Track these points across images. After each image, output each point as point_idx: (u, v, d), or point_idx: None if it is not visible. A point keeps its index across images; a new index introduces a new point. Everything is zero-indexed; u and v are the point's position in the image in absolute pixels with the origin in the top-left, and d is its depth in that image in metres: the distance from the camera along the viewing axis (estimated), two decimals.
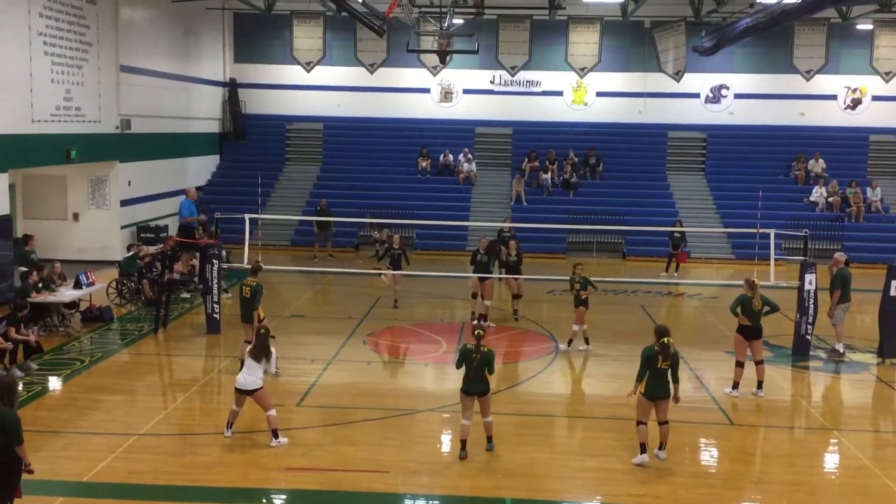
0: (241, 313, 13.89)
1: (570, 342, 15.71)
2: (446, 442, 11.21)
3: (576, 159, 30.52)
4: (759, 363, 13.19)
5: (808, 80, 31.71)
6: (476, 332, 10.57)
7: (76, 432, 11.18)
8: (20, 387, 11.87)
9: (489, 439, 10.68)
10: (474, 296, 17.53)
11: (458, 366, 10.68)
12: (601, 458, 10.61)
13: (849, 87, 31.95)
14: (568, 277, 16.02)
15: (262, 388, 10.73)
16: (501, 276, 18.07)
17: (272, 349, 10.86)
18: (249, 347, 10.79)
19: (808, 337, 15.65)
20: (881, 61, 31.36)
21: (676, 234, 24.06)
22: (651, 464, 10.41)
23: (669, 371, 10.32)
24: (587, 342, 15.70)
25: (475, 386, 10.50)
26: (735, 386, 13.19)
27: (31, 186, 23.46)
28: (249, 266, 14.62)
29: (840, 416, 12.87)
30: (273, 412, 10.72)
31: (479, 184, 30.58)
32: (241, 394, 10.72)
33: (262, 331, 10.97)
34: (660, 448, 10.60)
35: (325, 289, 21.65)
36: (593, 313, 16.20)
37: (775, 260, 16.90)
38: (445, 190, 30.13)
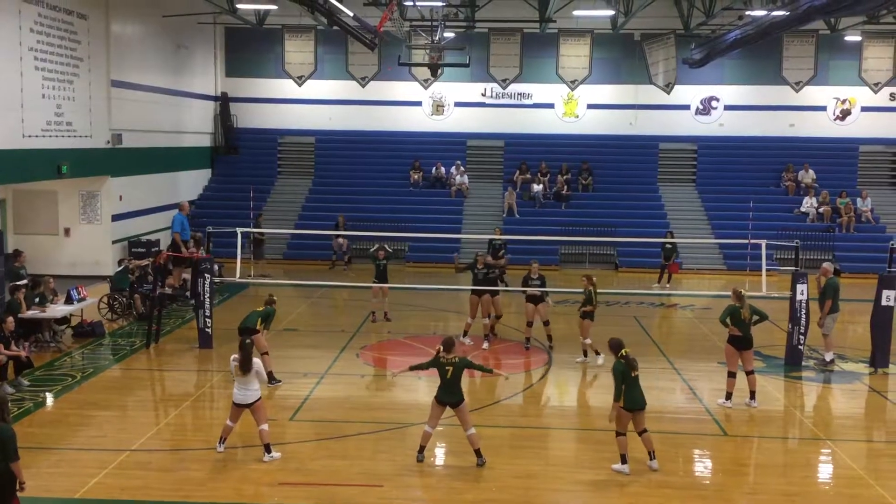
0: (240, 326, 13.85)
1: (585, 353, 15.76)
2: (440, 455, 11.18)
3: (569, 175, 30.54)
4: (749, 373, 13.22)
5: (797, 91, 31.92)
6: (446, 342, 10.68)
7: (67, 449, 11.11)
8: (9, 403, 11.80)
9: (477, 453, 10.63)
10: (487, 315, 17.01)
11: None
12: (595, 471, 10.59)
13: (838, 98, 32.15)
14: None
15: (260, 399, 10.72)
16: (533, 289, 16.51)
17: (255, 360, 10.81)
18: (237, 364, 10.70)
19: (801, 347, 15.68)
20: (870, 72, 31.59)
21: (668, 245, 24.12)
22: (645, 475, 10.40)
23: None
24: (584, 354, 15.70)
25: (448, 396, 10.55)
26: (728, 396, 13.21)
27: (21, 201, 23.40)
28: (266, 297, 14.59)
29: (833, 426, 12.87)
30: (265, 426, 10.67)
31: (471, 196, 30.62)
32: (241, 408, 10.67)
33: (248, 342, 10.93)
34: (651, 458, 10.62)
35: (317, 302, 21.60)
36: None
37: (767, 270, 16.94)
38: (437, 202, 30.17)
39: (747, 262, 25.79)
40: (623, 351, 10.51)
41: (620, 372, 10.40)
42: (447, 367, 10.49)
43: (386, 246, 19.37)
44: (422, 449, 10.74)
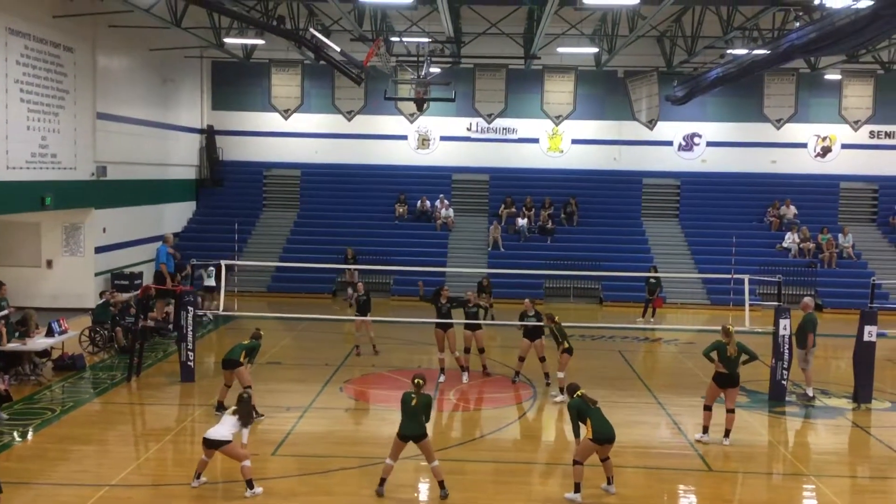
0: (224, 358, 13.79)
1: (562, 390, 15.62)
2: (424, 490, 11.09)
3: (552, 209, 30.72)
4: (729, 411, 13.13)
5: (778, 128, 32.30)
6: (416, 381, 10.74)
7: (46, 484, 10.94)
8: None
9: (441, 485, 10.59)
10: (467, 350, 16.88)
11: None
12: None
13: (819, 136, 32.60)
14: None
15: (230, 442, 10.53)
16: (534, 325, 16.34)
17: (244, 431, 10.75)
18: (235, 410, 10.68)
19: (784, 382, 15.71)
20: (850, 110, 32.04)
21: (652, 280, 24.21)
22: None
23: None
24: (562, 391, 15.56)
25: (411, 429, 10.55)
26: (705, 430, 13.18)
27: (4, 233, 23.25)
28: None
29: (817, 461, 12.86)
30: (247, 462, 10.55)
31: (456, 230, 30.71)
32: (209, 446, 10.54)
33: (246, 395, 10.87)
34: (609, 483, 10.80)
35: (301, 335, 21.51)
36: (572, 359, 16.20)
37: (750, 305, 17.01)
38: (423, 236, 30.21)
39: (730, 296, 25.92)
40: (579, 392, 10.84)
41: (575, 406, 10.75)
42: (413, 396, 10.51)
43: (358, 285, 19.10)
44: (382, 482, 10.66)
